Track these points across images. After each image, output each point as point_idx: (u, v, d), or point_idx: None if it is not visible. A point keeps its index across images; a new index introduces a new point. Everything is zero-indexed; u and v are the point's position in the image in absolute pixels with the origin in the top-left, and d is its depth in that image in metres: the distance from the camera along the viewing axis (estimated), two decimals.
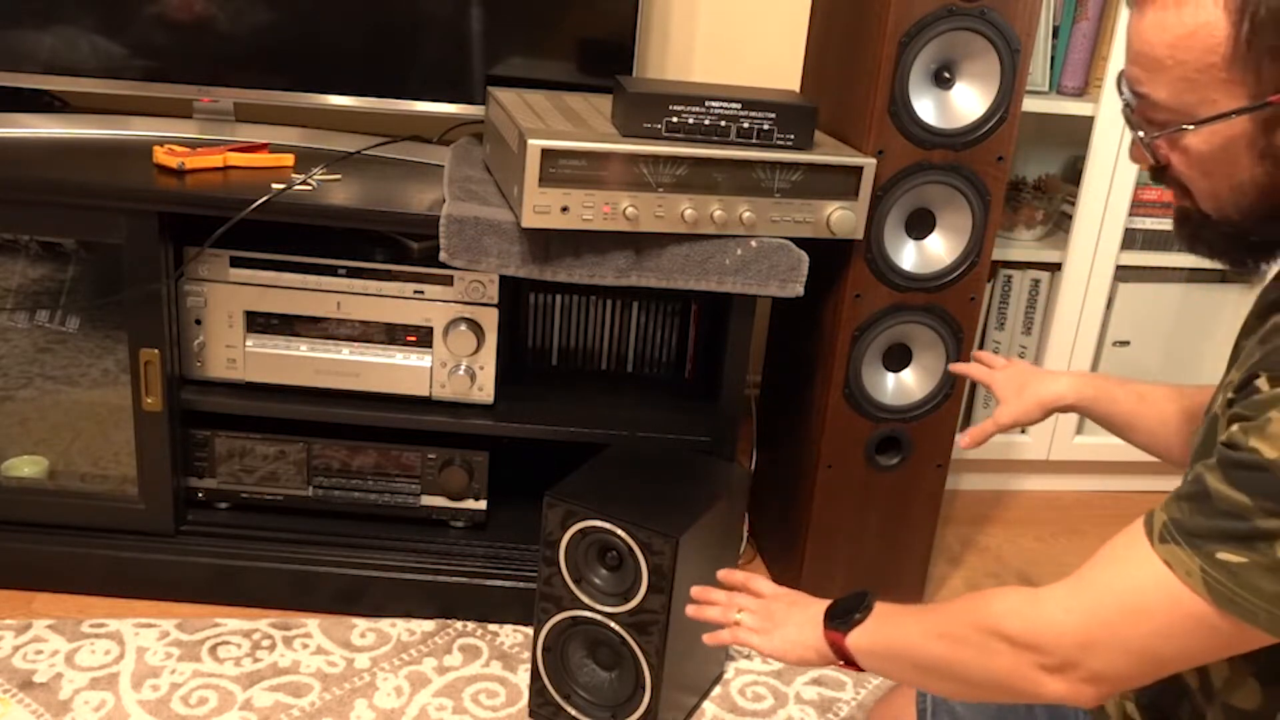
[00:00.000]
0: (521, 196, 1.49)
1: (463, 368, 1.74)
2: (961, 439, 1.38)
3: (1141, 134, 0.90)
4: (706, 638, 1.16)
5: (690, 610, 1.18)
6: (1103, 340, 2.27)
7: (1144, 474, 2.43)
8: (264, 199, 1.58)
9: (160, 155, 1.68)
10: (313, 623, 1.76)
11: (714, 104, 1.53)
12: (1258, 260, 0.93)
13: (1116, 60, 2.03)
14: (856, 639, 1.03)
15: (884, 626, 1.02)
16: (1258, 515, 0.79)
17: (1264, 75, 0.81)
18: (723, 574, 1.23)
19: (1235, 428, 0.82)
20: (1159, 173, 0.92)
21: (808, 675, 1.76)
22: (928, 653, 0.97)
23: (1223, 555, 0.80)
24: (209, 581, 1.77)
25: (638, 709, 1.53)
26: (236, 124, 1.86)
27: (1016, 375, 1.39)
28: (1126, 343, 2.29)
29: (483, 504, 1.83)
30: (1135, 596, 0.85)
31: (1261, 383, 0.82)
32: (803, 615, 1.09)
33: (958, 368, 1.50)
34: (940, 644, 0.95)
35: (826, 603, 1.09)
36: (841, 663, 1.05)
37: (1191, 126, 0.85)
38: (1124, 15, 2.01)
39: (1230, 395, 0.87)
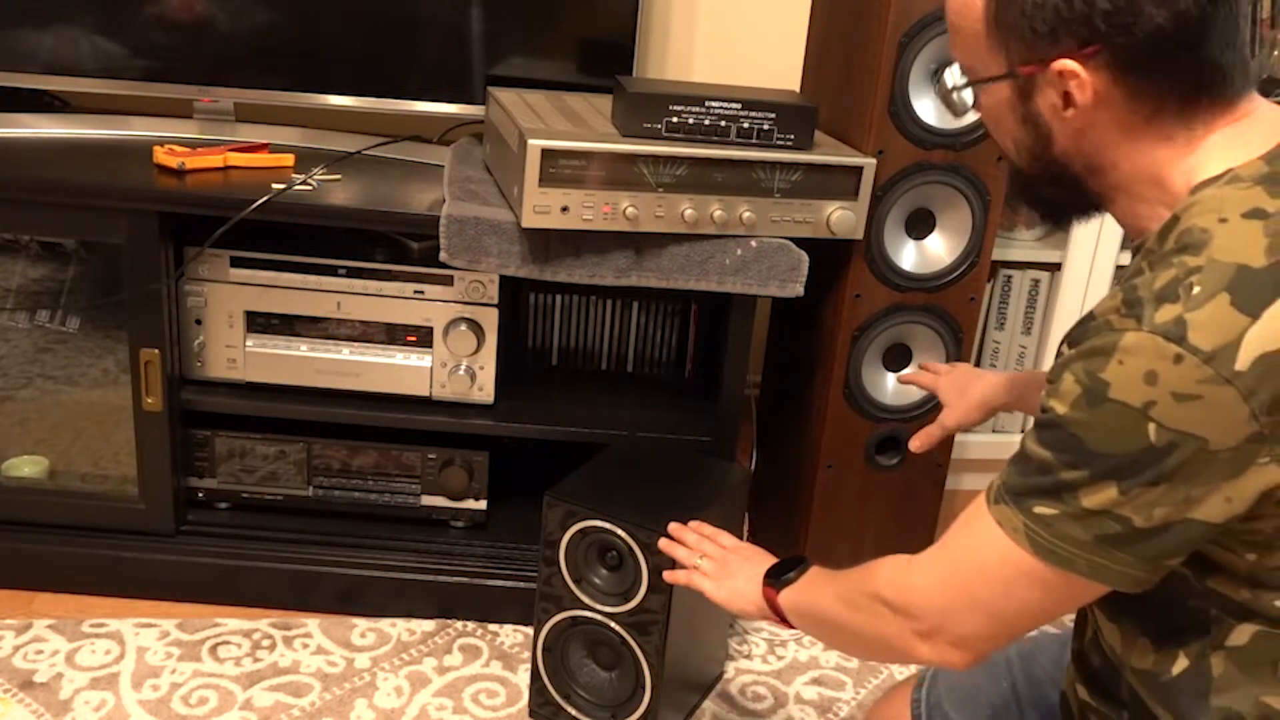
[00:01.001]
0: (521, 196, 1.49)
1: (463, 368, 1.74)
2: (912, 443, 1.45)
3: (948, 86, 1.01)
4: (666, 575, 1.30)
5: (662, 543, 1.33)
6: None
7: None
8: (264, 199, 1.58)
9: (160, 155, 1.68)
10: (313, 623, 1.76)
11: (714, 104, 1.53)
12: (1053, 214, 1.03)
13: None
14: (786, 596, 1.13)
15: (808, 587, 1.12)
16: (1060, 469, 0.84)
17: (1012, 48, 0.90)
18: (695, 525, 1.33)
19: (1043, 392, 0.89)
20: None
21: (808, 675, 1.76)
22: (832, 613, 1.06)
23: (1039, 509, 0.86)
24: (209, 581, 1.77)
25: (638, 709, 1.53)
26: (236, 124, 1.86)
27: (959, 379, 1.45)
28: None
29: (483, 504, 1.83)
30: (978, 557, 0.91)
31: (1064, 348, 0.90)
32: (751, 570, 1.19)
33: (905, 377, 1.57)
34: (840, 606, 1.05)
35: (773, 560, 1.19)
36: (776, 618, 1.15)
37: (971, 85, 0.96)
38: None
39: None
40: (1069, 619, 2.06)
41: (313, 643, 1.72)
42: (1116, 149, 0.91)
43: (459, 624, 1.79)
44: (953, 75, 1.00)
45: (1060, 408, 0.84)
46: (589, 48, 1.89)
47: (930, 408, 1.79)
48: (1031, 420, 1.12)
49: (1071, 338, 0.89)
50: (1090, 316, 0.87)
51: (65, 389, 1.83)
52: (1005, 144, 0.99)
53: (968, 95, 0.99)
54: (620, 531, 1.47)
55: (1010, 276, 2.22)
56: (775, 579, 1.15)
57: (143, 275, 1.63)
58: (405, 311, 1.72)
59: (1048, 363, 2.24)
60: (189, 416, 1.75)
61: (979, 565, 0.91)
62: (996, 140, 1.01)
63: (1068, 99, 0.89)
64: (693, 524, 1.34)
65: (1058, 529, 0.85)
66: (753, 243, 1.59)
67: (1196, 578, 0.89)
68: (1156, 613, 0.94)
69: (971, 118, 1.62)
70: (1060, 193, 0.97)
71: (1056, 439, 0.85)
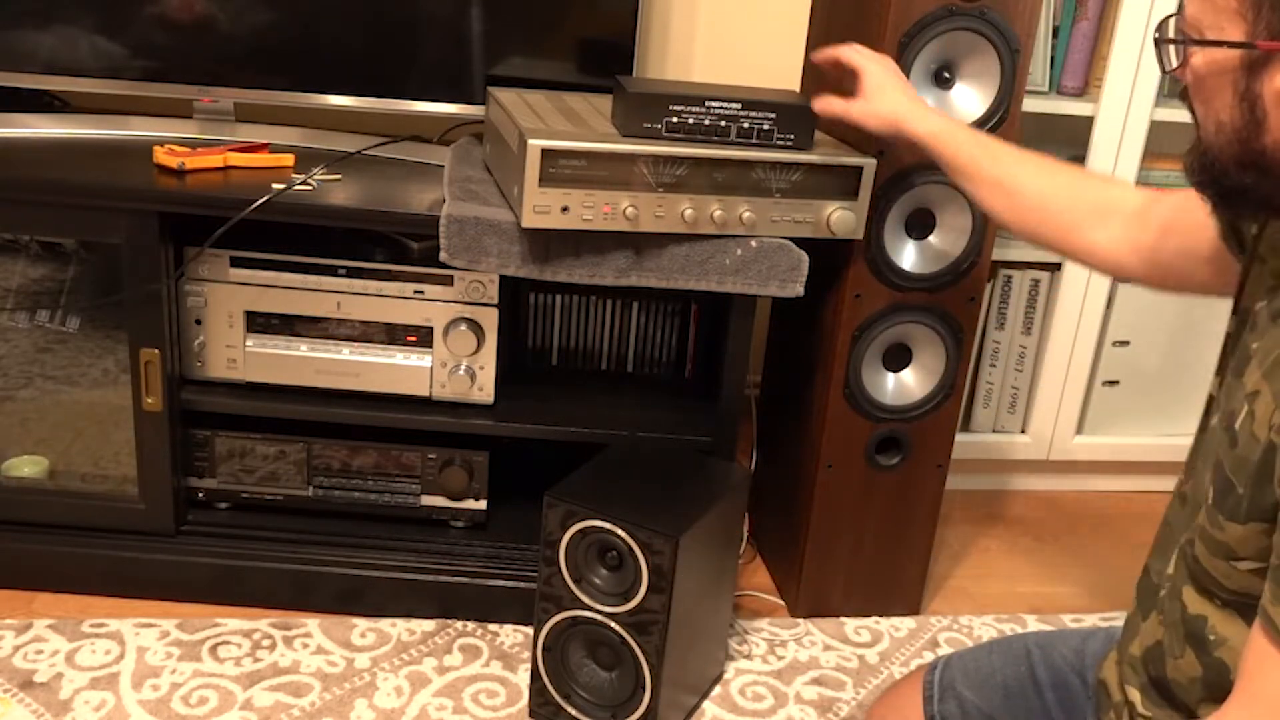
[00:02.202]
0: (521, 196, 1.49)
1: (463, 368, 1.74)
2: (815, 103, 1.48)
3: (1158, 34, 0.93)
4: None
5: None
6: (1103, 340, 2.27)
7: (1144, 474, 2.43)
8: (264, 199, 1.58)
9: (160, 155, 1.68)
10: (313, 623, 1.76)
11: (714, 104, 1.53)
12: (1232, 206, 0.95)
13: (1117, 60, 2.03)
14: None
15: None
16: None
17: (1261, 18, 0.82)
18: None
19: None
20: (1184, 92, 0.94)
21: (808, 675, 1.76)
22: None
23: None
24: (209, 581, 1.77)
25: (638, 709, 1.53)
26: (236, 124, 1.86)
27: (889, 77, 1.44)
28: (1126, 343, 2.29)
29: (483, 504, 1.83)
30: None
31: None
32: None
33: (821, 55, 1.54)
34: None
35: None
36: None
37: (1196, 46, 0.87)
38: (1124, 15, 2.01)
39: None
40: (1069, 619, 2.06)
41: (313, 643, 1.72)
42: None
43: (459, 624, 1.79)
44: (1173, 25, 0.91)
45: None
46: (589, 48, 1.89)
47: (931, 408, 1.79)
48: None
49: None
50: None
51: (65, 389, 1.83)
52: (1206, 119, 0.90)
53: (1178, 53, 0.90)
54: (620, 531, 1.47)
55: (1010, 276, 2.22)
56: None
57: (143, 275, 1.63)
58: (405, 311, 1.72)
59: (1050, 364, 2.24)
60: (189, 416, 1.75)
61: None
62: (1195, 109, 0.92)
63: None
64: None
65: None
66: (753, 243, 1.59)
67: None
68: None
69: (972, 117, 1.62)
70: (1254, 184, 0.89)
71: None
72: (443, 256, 1.57)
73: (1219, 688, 0.95)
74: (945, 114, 1.42)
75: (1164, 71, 0.93)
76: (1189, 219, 1.15)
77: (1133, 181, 2.11)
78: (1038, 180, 1.31)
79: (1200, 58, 0.87)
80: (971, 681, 1.27)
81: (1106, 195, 1.27)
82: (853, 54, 1.49)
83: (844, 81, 1.51)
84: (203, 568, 1.77)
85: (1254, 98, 0.85)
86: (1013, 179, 1.32)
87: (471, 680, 1.68)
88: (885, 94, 1.43)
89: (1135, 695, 1.06)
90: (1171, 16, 0.92)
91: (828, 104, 1.47)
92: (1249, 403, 0.92)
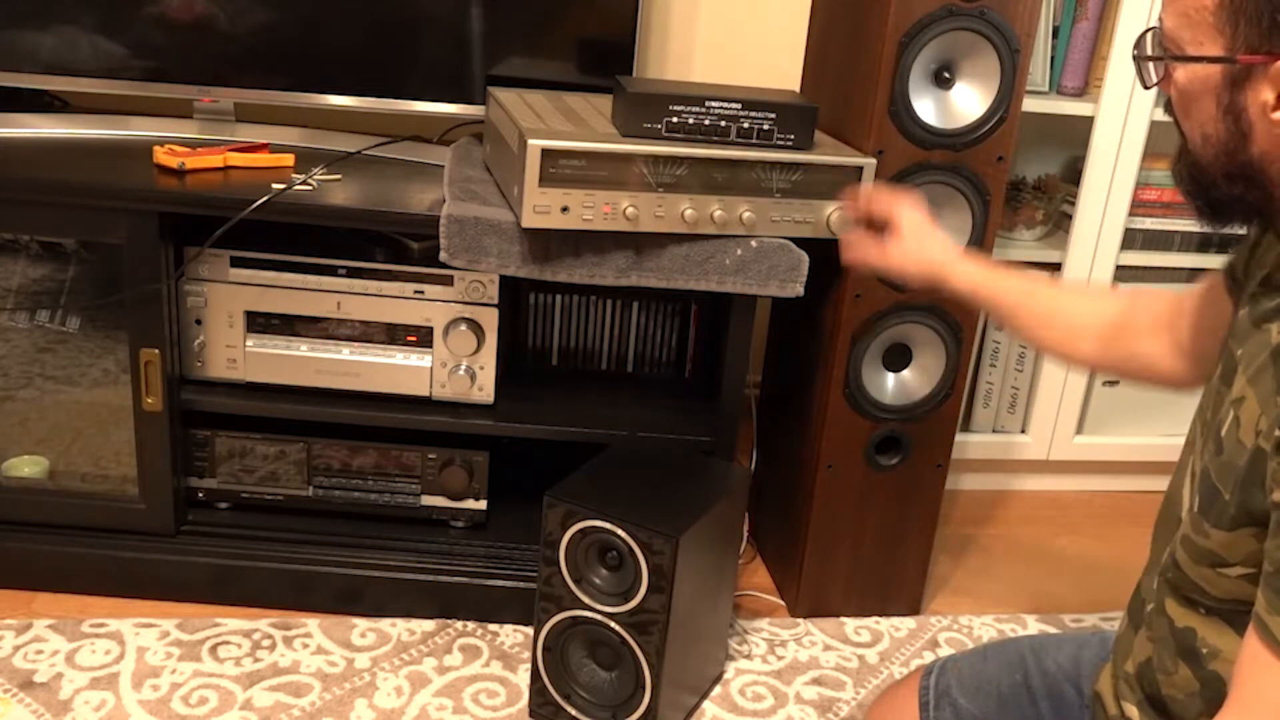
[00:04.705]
0: (521, 196, 1.49)
1: (463, 368, 1.74)
2: (845, 254, 1.45)
3: (1136, 51, 0.93)
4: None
5: None
6: None
7: (1144, 474, 2.43)
8: (264, 199, 1.58)
9: (160, 155, 1.68)
10: (313, 623, 1.76)
11: (714, 104, 1.53)
12: (1220, 216, 0.94)
13: (1116, 60, 2.03)
14: None
15: None
16: None
17: (1239, 33, 0.83)
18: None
19: (1276, 493, 0.81)
20: (1169, 105, 0.94)
21: (808, 675, 1.76)
22: None
23: None
24: (209, 581, 1.77)
25: (638, 709, 1.53)
26: (236, 124, 1.86)
27: (928, 228, 1.42)
28: None
29: (483, 504, 1.83)
30: None
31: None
32: None
33: (855, 207, 1.51)
34: None
35: None
36: None
37: (1176, 62, 0.88)
38: (1124, 15, 2.01)
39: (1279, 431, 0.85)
40: (1069, 620, 2.06)
41: (313, 643, 1.72)
42: None
43: (459, 624, 1.79)
44: (1151, 42, 0.91)
45: None
46: (589, 48, 1.89)
47: (931, 408, 1.79)
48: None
49: None
50: None
51: (65, 389, 1.83)
52: (1192, 132, 0.90)
53: (1158, 68, 0.90)
54: (620, 531, 1.47)
55: None
56: None
57: (143, 275, 1.63)
58: (405, 311, 1.72)
59: (1050, 364, 2.24)
60: (189, 416, 1.75)
61: None
62: (1181, 124, 0.92)
63: None
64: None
65: None
66: (753, 243, 1.59)
67: None
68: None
69: (972, 117, 1.62)
70: (1242, 195, 0.89)
71: None
72: (443, 256, 1.57)
73: (1217, 702, 0.95)
74: (981, 259, 1.38)
75: (1145, 86, 0.93)
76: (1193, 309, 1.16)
77: (1132, 182, 2.12)
78: (1083, 305, 1.28)
79: (1182, 72, 0.87)
80: (967, 689, 1.27)
81: (1159, 304, 1.23)
82: (887, 204, 1.45)
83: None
84: (203, 568, 1.77)
85: (1238, 111, 0.85)
86: (1060, 310, 1.29)
87: (471, 680, 1.68)
88: (926, 244, 1.39)
89: (1133, 711, 1.05)
90: (1148, 32, 0.92)
91: (864, 254, 1.40)
92: (1234, 409, 0.92)
